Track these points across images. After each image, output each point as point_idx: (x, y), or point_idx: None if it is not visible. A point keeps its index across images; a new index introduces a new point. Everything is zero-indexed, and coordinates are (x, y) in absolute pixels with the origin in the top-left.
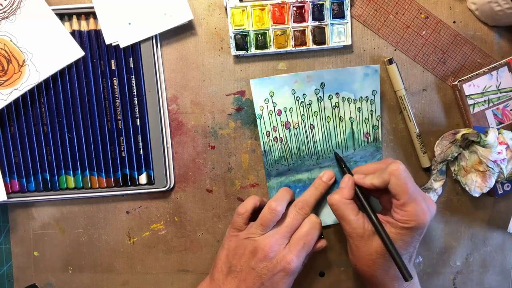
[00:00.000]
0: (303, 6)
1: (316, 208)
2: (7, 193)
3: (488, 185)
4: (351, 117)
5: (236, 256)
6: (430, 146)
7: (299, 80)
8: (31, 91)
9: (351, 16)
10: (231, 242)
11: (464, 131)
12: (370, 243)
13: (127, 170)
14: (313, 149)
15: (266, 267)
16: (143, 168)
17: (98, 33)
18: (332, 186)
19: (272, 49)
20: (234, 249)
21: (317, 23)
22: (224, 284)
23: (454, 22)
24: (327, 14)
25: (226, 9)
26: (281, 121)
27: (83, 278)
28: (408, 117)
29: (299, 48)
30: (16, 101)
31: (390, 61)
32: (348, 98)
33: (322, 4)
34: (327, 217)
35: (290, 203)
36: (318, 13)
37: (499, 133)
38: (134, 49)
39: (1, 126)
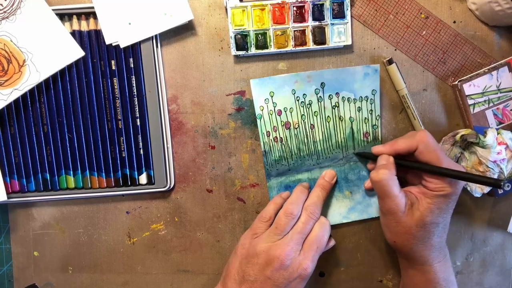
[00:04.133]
0: (303, 6)
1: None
2: (7, 193)
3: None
4: (351, 117)
5: (250, 265)
6: None
7: (299, 80)
8: (31, 91)
9: (351, 16)
10: (244, 250)
11: (462, 131)
12: (410, 218)
13: (127, 170)
14: (313, 149)
15: (283, 275)
16: (143, 168)
17: (98, 33)
18: (334, 186)
19: (272, 49)
20: (247, 257)
21: (317, 23)
22: None
23: (454, 22)
24: (327, 14)
25: (226, 9)
26: (281, 121)
27: (83, 278)
28: (412, 115)
29: (299, 48)
30: (16, 101)
31: (390, 61)
32: (348, 97)
33: (322, 4)
34: (331, 217)
35: None
36: (318, 13)
37: (498, 133)
38: (134, 49)
39: (1, 126)
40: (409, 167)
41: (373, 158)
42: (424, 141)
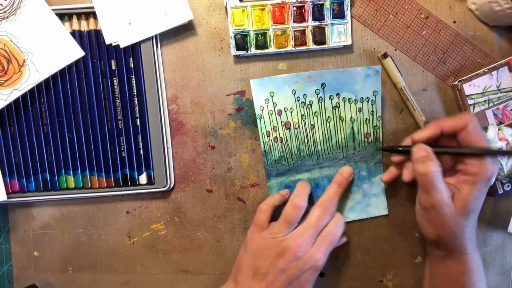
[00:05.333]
0: (303, 6)
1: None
2: (7, 193)
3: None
4: (351, 118)
5: (261, 258)
6: None
7: (300, 80)
8: (31, 91)
9: (351, 16)
10: (254, 244)
11: None
12: (453, 209)
13: (127, 170)
14: (313, 149)
15: (295, 266)
16: (143, 168)
17: (98, 33)
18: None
19: (272, 49)
20: (258, 250)
21: (317, 23)
22: (251, 287)
23: (454, 22)
24: (327, 14)
25: (226, 9)
26: (281, 121)
27: (83, 278)
28: (412, 107)
29: (299, 48)
30: (16, 101)
31: (385, 55)
32: (349, 98)
33: (322, 4)
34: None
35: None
36: (318, 13)
37: (498, 130)
38: (134, 49)
39: (1, 126)
40: (449, 154)
41: (401, 151)
42: (473, 121)
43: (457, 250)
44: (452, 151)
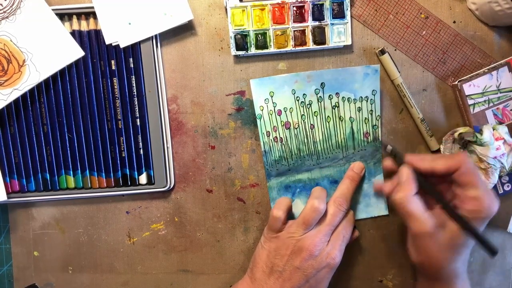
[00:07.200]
0: (303, 6)
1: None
2: (7, 193)
3: (492, 181)
4: (351, 117)
5: (278, 256)
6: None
7: (299, 80)
8: (31, 91)
9: (351, 16)
10: (271, 243)
11: (460, 130)
12: (441, 239)
13: (127, 170)
14: (313, 149)
15: (312, 265)
16: (143, 168)
17: (98, 33)
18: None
19: (272, 49)
20: (275, 249)
21: (317, 23)
22: (267, 284)
23: (454, 22)
24: (327, 14)
25: (226, 9)
26: (281, 121)
27: (83, 278)
28: (409, 104)
29: (299, 48)
30: (16, 101)
31: (382, 52)
32: (348, 98)
33: (322, 4)
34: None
35: None
36: (318, 13)
37: (493, 129)
38: (134, 49)
39: (1, 126)
40: (427, 190)
41: (396, 157)
42: (466, 163)
43: (441, 281)
44: (435, 195)
